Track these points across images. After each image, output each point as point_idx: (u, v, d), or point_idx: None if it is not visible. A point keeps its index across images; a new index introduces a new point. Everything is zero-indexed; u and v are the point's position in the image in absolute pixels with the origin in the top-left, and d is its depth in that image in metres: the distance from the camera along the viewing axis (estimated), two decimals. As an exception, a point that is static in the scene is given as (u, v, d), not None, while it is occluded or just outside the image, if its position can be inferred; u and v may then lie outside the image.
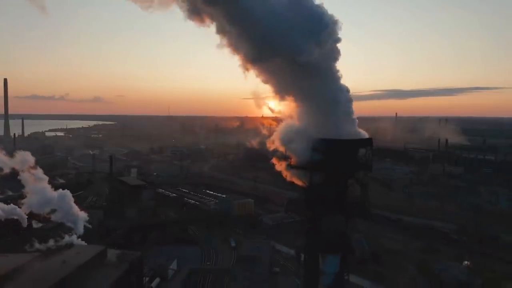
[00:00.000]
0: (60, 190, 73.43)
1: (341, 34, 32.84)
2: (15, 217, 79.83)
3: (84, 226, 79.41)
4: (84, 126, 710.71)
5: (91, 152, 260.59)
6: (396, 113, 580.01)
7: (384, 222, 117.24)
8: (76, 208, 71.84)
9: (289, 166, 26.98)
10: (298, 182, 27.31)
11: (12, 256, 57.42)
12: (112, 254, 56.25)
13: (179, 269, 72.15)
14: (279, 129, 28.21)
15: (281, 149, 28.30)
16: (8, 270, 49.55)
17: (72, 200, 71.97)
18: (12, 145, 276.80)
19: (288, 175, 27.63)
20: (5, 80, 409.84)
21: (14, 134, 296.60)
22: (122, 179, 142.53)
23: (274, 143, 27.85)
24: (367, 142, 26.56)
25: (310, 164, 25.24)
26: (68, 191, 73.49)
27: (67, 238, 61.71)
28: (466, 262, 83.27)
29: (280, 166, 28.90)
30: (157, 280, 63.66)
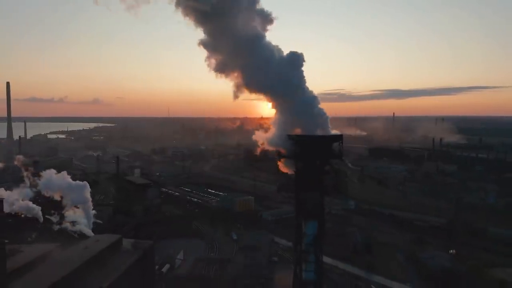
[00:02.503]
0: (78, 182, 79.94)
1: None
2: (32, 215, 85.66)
3: (95, 222, 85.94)
4: (84, 128, 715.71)
5: (94, 154, 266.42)
6: (394, 113, 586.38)
7: (378, 217, 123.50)
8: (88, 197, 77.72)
9: (279, 157, 34.08)
10: (287, 169, 34.49)
11: (36, 245, 63.48)
12: (127, 242, 62.44)
13: (185, 259, 78.26)
14: (270, 129, 34.26)
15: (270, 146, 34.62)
16: (36, 256, 55.61)
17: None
18: (17, 147, 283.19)
19: (280, 164, 34.70)
20: (8, 84, 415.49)
21: (20, 136, 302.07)
22: (128, 179, 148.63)
23: (266, 141, 34.17)
24: (339, 137, 33.45)
25: (295, 155, 32.39)
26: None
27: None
28: (452, 251, 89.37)
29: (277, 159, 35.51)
30: (167, 266, 69.60)
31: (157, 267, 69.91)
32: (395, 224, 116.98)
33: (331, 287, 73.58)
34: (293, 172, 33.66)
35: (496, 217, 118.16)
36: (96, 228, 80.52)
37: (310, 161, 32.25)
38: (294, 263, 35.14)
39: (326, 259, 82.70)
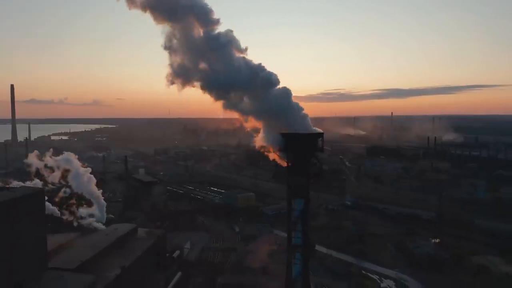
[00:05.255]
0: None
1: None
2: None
3: (108, 216, 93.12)
4: (86, 129, 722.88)
5: (99, 154, 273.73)
6: (392, 113, 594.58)
7: (372, 211, 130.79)
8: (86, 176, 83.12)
9: (275, 151, 42.39)
10: (281, 161, 42.70)
11: (58, 235, 70.74)
12: (141, 231, 69.98)
13: (192, 248, 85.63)
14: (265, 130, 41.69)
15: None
16: (61, 243, 62.93)
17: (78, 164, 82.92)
18: (24, 149, 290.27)
19: (276, 157, 42.82)
20: (12, 86, 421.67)
21: (26, 138, 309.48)
22: (136, 177, 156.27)
23: (261, 140, 41.83)
24: (321, 134, 41.57)
25: (286, 149, 40.54)
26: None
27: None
28: (436, 240, 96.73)
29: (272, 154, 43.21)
30: (177, 252, 76.88)
31: (167, 255, 77.12)
32: (386, 217, 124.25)
33: (326, 272, 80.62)
34: (285, 163, 41.64)
35: (483, 211, 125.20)
36: (108, 223, 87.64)
37: (298, 153, 40.37)
38: (287, 232, 43.39)
39: (322, 249, 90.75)
